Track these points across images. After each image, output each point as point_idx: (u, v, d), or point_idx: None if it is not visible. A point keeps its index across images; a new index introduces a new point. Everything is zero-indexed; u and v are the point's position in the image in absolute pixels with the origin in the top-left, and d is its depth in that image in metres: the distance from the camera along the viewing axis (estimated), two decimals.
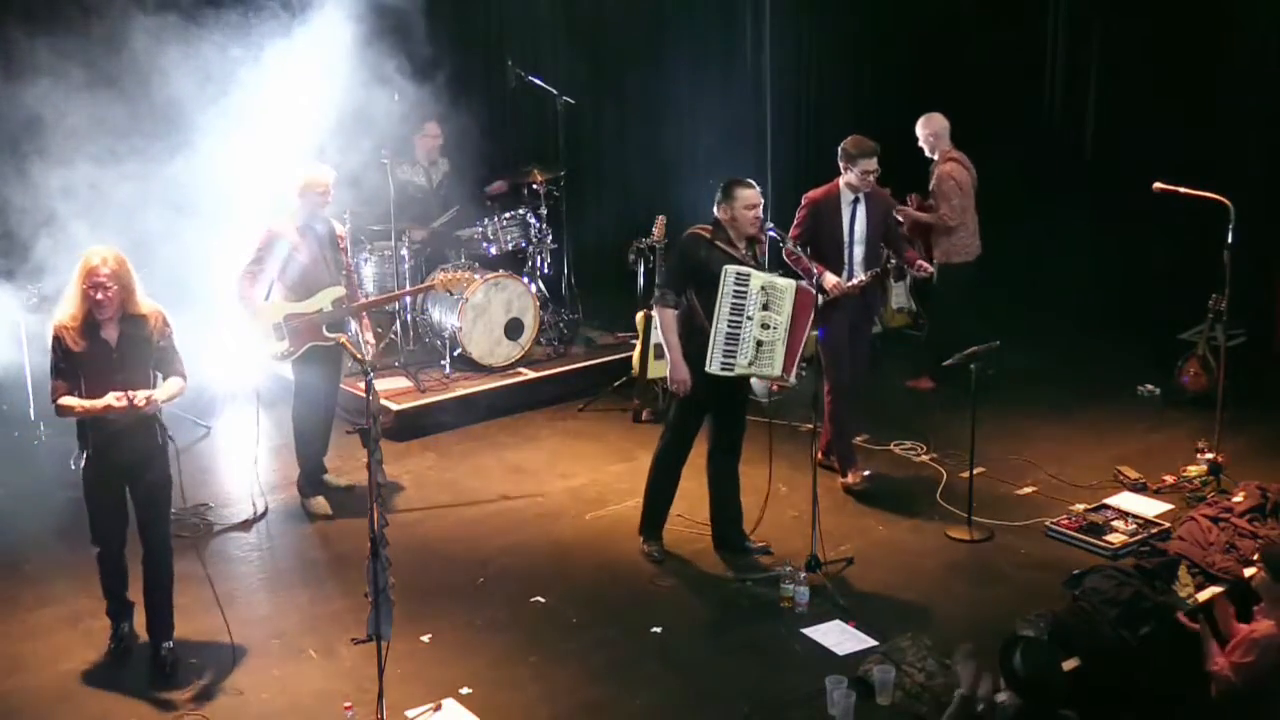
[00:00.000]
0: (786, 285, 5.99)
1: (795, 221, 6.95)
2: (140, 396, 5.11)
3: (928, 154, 8.41)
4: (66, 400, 5.13)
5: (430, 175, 9.15)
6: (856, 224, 6.88)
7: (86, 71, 7.52)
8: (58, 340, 5.14)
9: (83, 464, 5.31)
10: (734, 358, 5.96)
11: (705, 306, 5.96)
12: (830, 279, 6.73)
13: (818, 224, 6.88)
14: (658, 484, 6.38)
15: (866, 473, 7.14)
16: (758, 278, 5.94)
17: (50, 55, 7.87)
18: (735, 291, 5.90)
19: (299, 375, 6.81)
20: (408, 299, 8.66)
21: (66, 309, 5.16)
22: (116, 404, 5.08)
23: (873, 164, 6.83)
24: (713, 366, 5.96)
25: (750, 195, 5.98)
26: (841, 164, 6.86)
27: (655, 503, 6.40)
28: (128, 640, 5.57)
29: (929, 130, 8.37)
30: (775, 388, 6.86)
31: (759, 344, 5.97)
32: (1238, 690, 4.94)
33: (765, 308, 5.94)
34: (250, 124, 7.34)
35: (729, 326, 5.93)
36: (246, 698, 5.26)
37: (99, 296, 5.08)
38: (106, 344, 5.17)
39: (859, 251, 6.90)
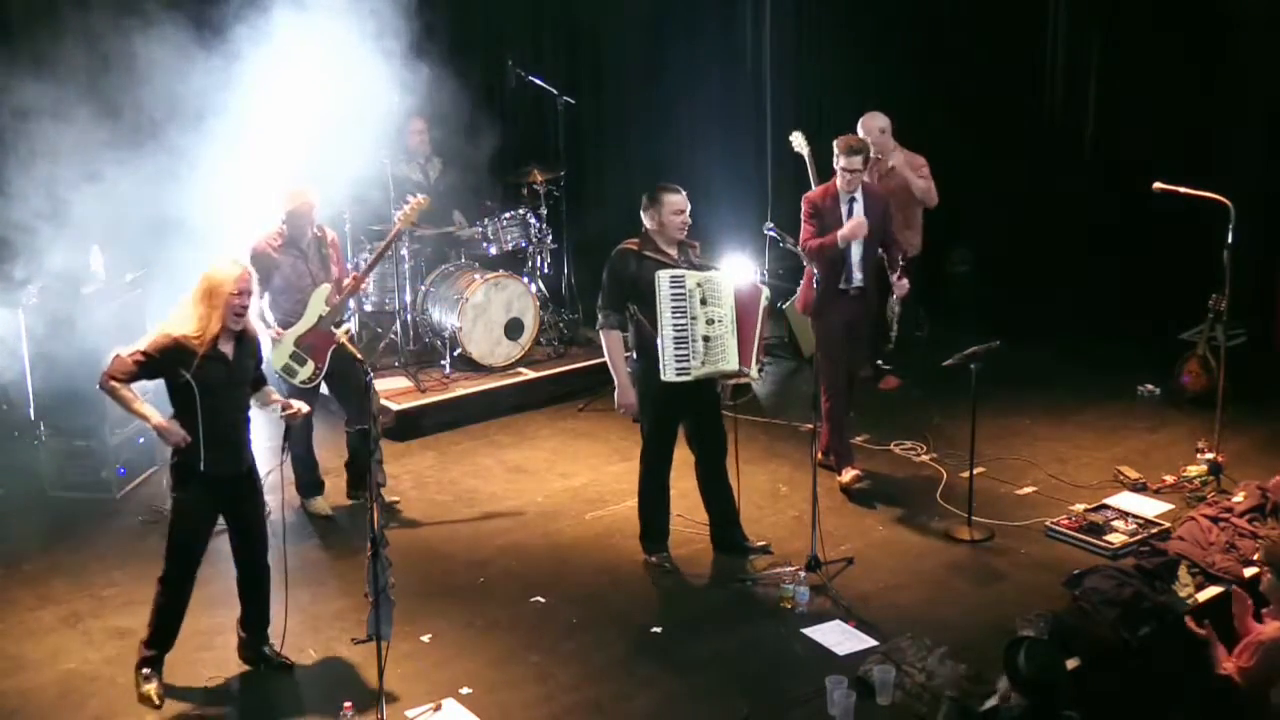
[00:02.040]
0: (722, 277, 6.02)
1: (803, 222, 6.92)
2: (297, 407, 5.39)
3: (876, 152, 8.19)
4: (123, 389, 5.07)
5: (427, 172, 9.14)
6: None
7: (85, 73, 7.53)
8: (166, 350, 5.01)
9: (183, 491, 5.21)
10: (687, 361, 5.92)
11: (650, 318, 5.94)
12: (843, 230, 6.73)
13: (821, 223, 6.87)
14: (647, 499, 6.33)
15: (858, 472, 7.09)
16: (692, 276, 5.92)
17: (50, 57, 7.88)
18: (673, 294, 5.87)
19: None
20: (407, 299, 8.65)
21: (191, 323, 5.02)
22: (302, 410, 5.39)
23: (855, 162, 6.75)
24: (667, 374, 5.91)
25: (677, 200, 5.96)
26: (834, 163, 6.88)
27: (650, 516, 6.35)
28: (158, 687, 5.28)
29: (879, 124, 8.28)
30: (732, 384, 6.75)
31: (706, 339, 5.93)
32: (1244, 694, 4.93)
33: (704, 303, 5.91)
34: (249, 125, 7.34)
35: (675, 331, 5.88)
36: (246, 698, 5.26)
37: (241, 304, 5.04)
38: (225, 358, 5.10)
39: (855, 250, 6.89)
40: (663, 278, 5.87)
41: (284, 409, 5.39)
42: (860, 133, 8.25)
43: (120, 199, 6.95)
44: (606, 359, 6.14)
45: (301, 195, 6.55)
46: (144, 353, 5.04)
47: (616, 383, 6.08)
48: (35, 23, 8.13)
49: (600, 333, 6.11)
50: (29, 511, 7.00)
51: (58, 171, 6.97)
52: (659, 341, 5.90)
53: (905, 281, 6.96)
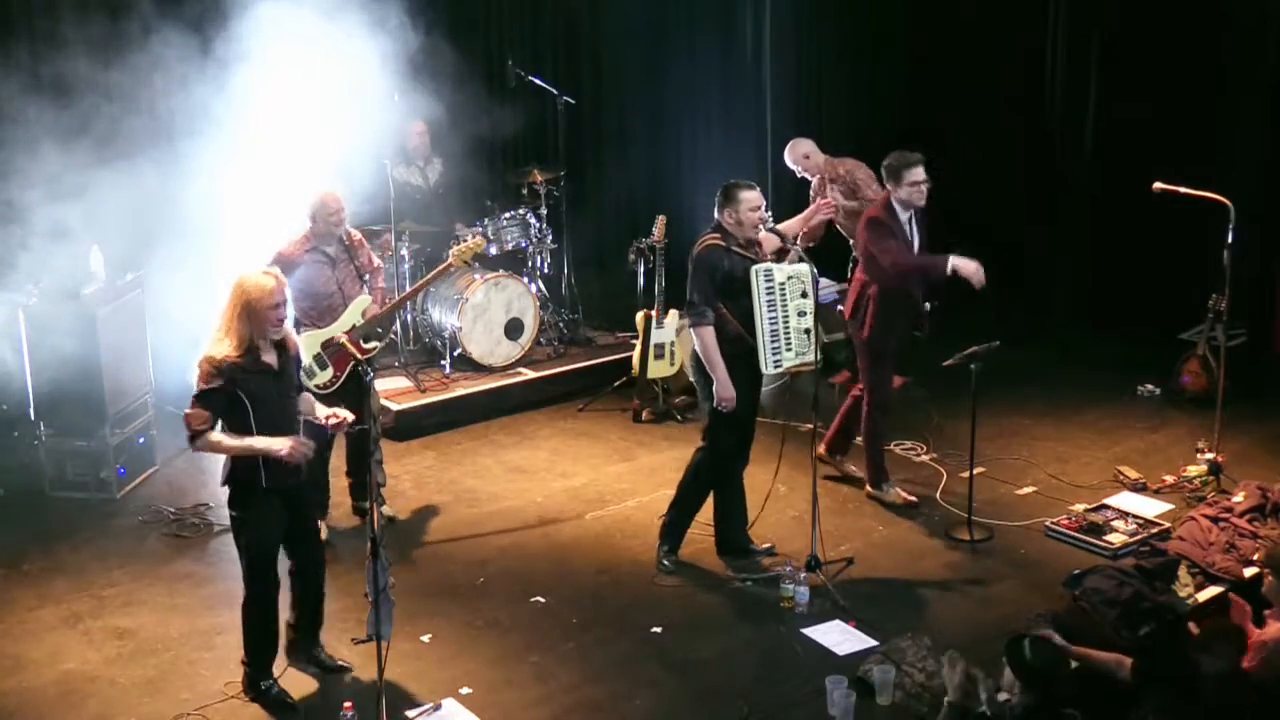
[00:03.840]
0: (802, 269, 6.05)
1: (878, 243, 6.55)
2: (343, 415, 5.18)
3: (805, 174, 8.26)
4: (215, 436, 4.91)
5: (426, 174, 9.15)
6: (915, 244, 6.69)
7: (85, 74, 7.53)
8: (218, 372, 4.88)
9: (245, 510, 5.10)
10: (780, 354, 5.99)
11: (738, 315, 5.96)
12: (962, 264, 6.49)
13: (896, 242, 6.58)
14: (694, 498, 6.29)
15: (909, 496, 7.01)
16: (780, 270, 5.98)
17: (51, 57, 7.89)
18: (766, 289, 5.93)
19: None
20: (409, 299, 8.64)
21: (227, 341, 4.91)
22: (348, 419, 5.15)
23: (920, 173, 6.50)
24: (769, 368, 5.99)
25: (753, 197, 5.99)
26: (888, 182, 6.59)
27: (686, 517, 6.31)
28: (280, 692, 5.27)
29: (803, 151, 8.23)
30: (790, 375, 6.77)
31: (807, 332, 6.02)
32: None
33: (804, 295, 6.00)
34: (249, 126, 7.34)
35: (770, 325, 5.95)
36: (246, 698, 5.26)
37: (279, 316, 4.97)
38: (270, 368, 5.02)
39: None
40: (758, 273, 5.91)
41: (328, 418, 5.24)
42: (790, 163, 8.25)
43: (121, 199, 6.96)
44: (703, 355, 5.99)
45: (326, 194, 6.48)
46: (199, 395, 4.90)
47: (717, 378, 5.96)
48: (36, 23, 8.12)
49: (695, 330, 5.98)
50: (29, 511, 7.00)
51: (58, 171, 6.97)
52: (758, 336, 5.93)
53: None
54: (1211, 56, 9.26)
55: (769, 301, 5.94)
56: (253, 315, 4.93)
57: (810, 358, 6.10)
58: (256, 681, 5.26)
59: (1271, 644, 4.88)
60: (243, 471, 5.04)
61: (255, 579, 5.18)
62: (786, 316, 5.99)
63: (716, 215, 6.05)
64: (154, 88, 7.74)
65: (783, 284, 5.97)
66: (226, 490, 5.15)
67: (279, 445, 4.95)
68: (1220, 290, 7.29)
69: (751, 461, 6.40)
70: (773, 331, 5.96)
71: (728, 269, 5.96)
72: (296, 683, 5.36)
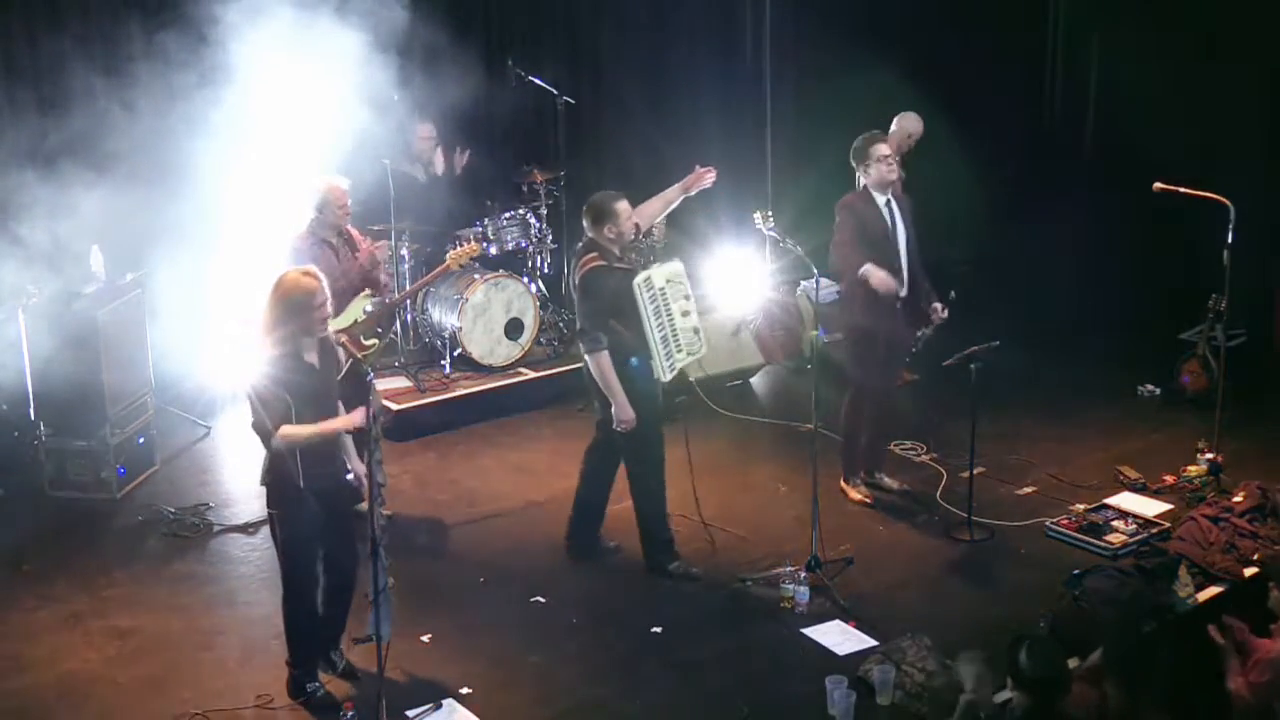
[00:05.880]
0: (677, 267, 6.11)
1: (841, 238, 6.61)
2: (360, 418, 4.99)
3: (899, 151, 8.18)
4: (292, 430, 4.89)
5: (429, 173, 9.14)
6: (900, 231, 6.70)
7: (83, 73, 7.54)
8: (280, 372, 4.89)
9: (282, 507, 5.07)
10: (671, 357, 6.03)
11: (629, 327, 5.97)
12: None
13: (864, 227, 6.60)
14: (653, 510, 6.27)
15: (864, 498, 7.01)
16: (656, 276, 6.00)
17: (49, 56, 7.88)
18: (650, 298, 5.95)
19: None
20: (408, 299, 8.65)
21: (269, 341, 4.92)
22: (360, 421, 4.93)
23: (885, 148, 6.57)
24: (665, 374, 6.03)
25: (627, 205, 6.05)
26: (858, 168, 6.65)
27: (660, 527, 6.30)
28: (326, 695, 5.26)
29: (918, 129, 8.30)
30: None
31: (695, 330, 6.08)
32: (1254, 710, 4.88)
33: (687, 297, 6.05)
34: (250, 125, 7.34)
35: (659, 331, 5.98)
36: (246, 697, 5.26)
37: (321, 316, 4.97)
38: (311, 368, 5.01)
39: (904, 260, 6.72)
40: (639, 286, 5.91)
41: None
42: (910, 131, 8.18)
43: (121, 199, 6.96)
44: (600, 381, 5.98)
45: (334, 185, 6.45)
46: (261, 395, 4.91)
47: (615, 401, 5.96)
48: (35, 23, 8.12)
49: (590, 356, 5.98)
50: (29, 511, 7.00)
51: (58, 171, 6.98)
52: (651, 345, 5.95)
53: (945, 312, 6.80)
54: (1212, 55, 9.26)
55: (654, 310, 5.95)
56: (299, 314, 4.91)
57: (702, 351, 6.19)
58: (303, 684, 5.22)
59: (1278, 661, 4.84)
60: (282, 471, 5.00)
61: (294, 576, 5.16)
62: (672, 319, 6.01)
63: (589, 234, 6.06)
64: (155, 88, 7.73)
65: (663, 289, 5.99)
66: (265, 490, 5.12)
67: (344, 422, 4.97)
68: (1220, 290, 7.29)
69: (751, 461, 6.39)
70: (662, 338, 5.99)
71: (614, 288, 5.96)
72: None
